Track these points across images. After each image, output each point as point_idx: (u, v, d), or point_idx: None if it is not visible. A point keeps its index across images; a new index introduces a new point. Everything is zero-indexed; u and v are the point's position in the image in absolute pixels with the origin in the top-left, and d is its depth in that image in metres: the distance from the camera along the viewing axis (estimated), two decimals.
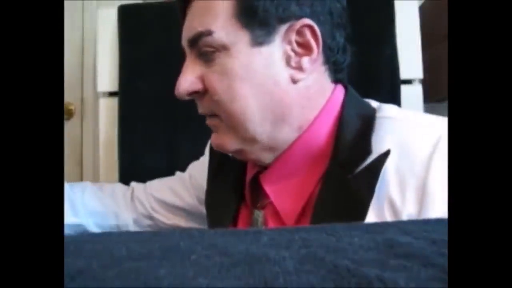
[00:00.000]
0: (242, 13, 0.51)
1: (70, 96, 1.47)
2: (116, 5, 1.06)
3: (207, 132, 1.00)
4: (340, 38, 0.55)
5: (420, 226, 0.29)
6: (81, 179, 1.48)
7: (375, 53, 0.95)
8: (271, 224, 0.56)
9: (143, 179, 1.02)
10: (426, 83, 0.99)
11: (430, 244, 0.24)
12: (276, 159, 0.55)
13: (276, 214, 0.55)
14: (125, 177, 1.02)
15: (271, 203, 0.56)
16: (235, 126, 0.53)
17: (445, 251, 0.23)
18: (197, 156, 1.00)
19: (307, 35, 0.52)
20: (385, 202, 0.47)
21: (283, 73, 0.52)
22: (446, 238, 0.25)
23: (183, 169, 1.00)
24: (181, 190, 0.78)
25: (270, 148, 0.55)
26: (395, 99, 0.95)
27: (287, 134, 0.54)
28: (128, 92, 1.03)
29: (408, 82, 0.99)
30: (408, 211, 0.45)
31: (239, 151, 0.55)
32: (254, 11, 0.50)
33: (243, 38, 0.51)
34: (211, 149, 0.68)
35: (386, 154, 0.47)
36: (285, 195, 0.55)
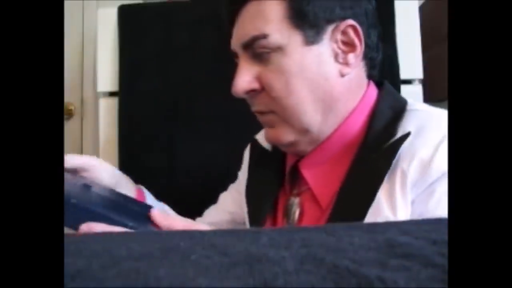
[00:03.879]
0: (294, 16, 0.56)
1: (70, 96, 1.47)
2: (116, 5, 1.06)
3: (207, 132, 1.00)
4: (374, 37, 0.60)
5: (420, 226, 0.29)
6: None
7: None
8: (307, 208, 0.61)
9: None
10: (426, 83, 0.99)
11: (430, 244, 0.24)
12: (315, 148, 0.61)
13: (313, 198, 0.60)
14: None
15: (308, 189, 0.61)
16: (290, 118, 0.58)
17: (445, 251, 0.23)
18: (197, 155, 1.01)
19: (351, 34, 0.57)
20: (398, 172, 0.52)
21: (333, 68, 0.57)
22: (446, 238, 0.25)
23: (183, 169, 1.00)
24: (238, 204, 0.77)
25: (316, 140, 0.60)
26: None
27: (331, 124, 0.59)
28: (128, 92, 1.03)
29: (408, 82, 0.99)
30: (412, 178, 0.51)
31: (292, 143, 0.60)
32: (305, 14, 0.55)
33: (296, 38, 0.56)
34: (251, 148, 0.75)
35: (407, 135, 0.53)
36: (321, 179, 0.60)
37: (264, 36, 0.56)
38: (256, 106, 0.61)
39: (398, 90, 0.96)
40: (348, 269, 0.22)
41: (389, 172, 0.53)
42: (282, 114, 0.58)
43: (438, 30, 1.05)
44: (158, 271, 0.22)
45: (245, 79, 0.58)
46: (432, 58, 1.04)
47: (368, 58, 0.61)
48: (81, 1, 1.48)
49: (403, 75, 0.97)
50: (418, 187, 0.51)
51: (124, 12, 1.05)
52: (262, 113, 0.61)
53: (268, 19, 0.56)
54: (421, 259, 0.22)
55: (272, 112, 0.59)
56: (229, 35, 0.62)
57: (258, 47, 0.56)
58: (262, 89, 0.58)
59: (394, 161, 0.52)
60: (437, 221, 0.32)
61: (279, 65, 0.56)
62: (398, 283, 0.20)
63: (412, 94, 0.98)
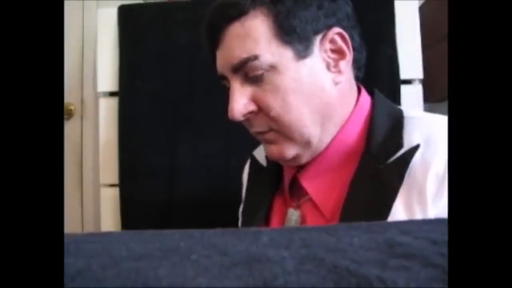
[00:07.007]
0: (282, 33, 0.54)
1: (70, 96, 1.47)
2: (116, 5, 1.06)
3: (207, 132, 1.00)
4: (357, 38, 0.60)
5: (420, 226, 0.29)
6: (81, 179, 1.48)
7: (375, 53, 0.95)
8: (310, 220, 0.60)
9: (143, 179, 1.02)
10: (426, 83, 0.99)
11: (430, 244, 0.24)
12: (313, 158, 0.60)
13: (315, 208, 0.59)
14: (125, 177, 1.02)
15: (309, 199, 0.60)
16: (292, 134, 0.57)
17: (445, 251, 0.23)
18: (197, 155, 1.01)
19: (339, 42, 0.57)
20: (414, 186, 0.51)
21: (326, 78, 0.57)
22: (446, 238, 0.25)
23: (183, 169, 1.00)
24: None
25: (317, 151, 0.59)
26: (395, 99, 0.95)
27: (330, 133, 0.59)
28: (128, 92, 1.03)
29: (408, 82, 0.99)
30: (430, 193, 0.50)
31: (295, 157, 0.59)
32: (292, 29, 0.54)
33: (287, 55, 0.55)
34: (250, 165, 0.74)
35: (416, 147, 0.53)
36: (322, 189, 0.59)
37: (255, 58, 0.54)
38: (255, 127, 0.59)
39: (398, 90, 0.96)
40: (348, 269, 0.22)
41: (404, 186, 0.52)
42: (284, 131, 0.57)
43: (438, 30, 1.05)
44: (158, 271, 0.22)
45: (241, 102, 0.56)
46: (432, 58, 1.04)
47: (355, 61, 0.60)
48: (81, 1, 1.48)
49: (403, 75, 0.97)
50: (438, 201, 0.50)
51: (124, 12, 1.05)
52: (262, 132, 0.59)
53: (256, 39, 0.54)
54: (421, 259, 0.22)
55: (272, 130, 0.58)
56: (212, 59, 0.60)
57: (249, 69, 0.55)
58: (259, 110, 0.57)
59: (406, 175, 0.52)
60: (437, 221, 0.32)
61: (273, 84, 0.55)
62: (398, 283, 0.20)
63: (412, 94, 0.98)
